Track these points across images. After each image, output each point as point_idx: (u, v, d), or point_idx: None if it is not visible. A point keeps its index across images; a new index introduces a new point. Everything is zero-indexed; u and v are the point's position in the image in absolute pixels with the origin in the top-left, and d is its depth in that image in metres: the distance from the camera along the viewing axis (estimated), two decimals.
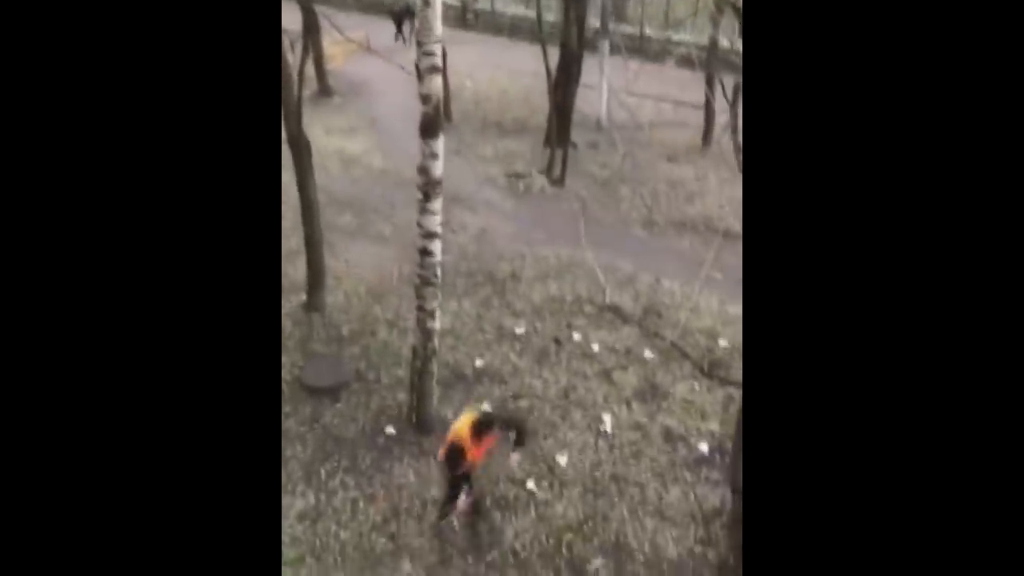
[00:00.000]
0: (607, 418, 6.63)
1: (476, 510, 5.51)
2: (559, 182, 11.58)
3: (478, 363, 7.28)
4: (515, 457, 5.57)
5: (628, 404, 6.85)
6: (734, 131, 10.02)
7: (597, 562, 5.33)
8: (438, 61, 5.40)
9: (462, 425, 5.20)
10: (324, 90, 14.57)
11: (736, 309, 8.30)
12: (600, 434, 6.47)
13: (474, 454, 5.22)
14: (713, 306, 8.39)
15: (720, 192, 11.46)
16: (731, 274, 8.72)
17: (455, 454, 5.16)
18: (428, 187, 5.71)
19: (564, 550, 5.41)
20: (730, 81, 10.53)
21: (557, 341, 7.67)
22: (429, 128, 5.53)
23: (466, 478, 5.35)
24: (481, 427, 5.17)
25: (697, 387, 7.08)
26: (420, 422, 6.38)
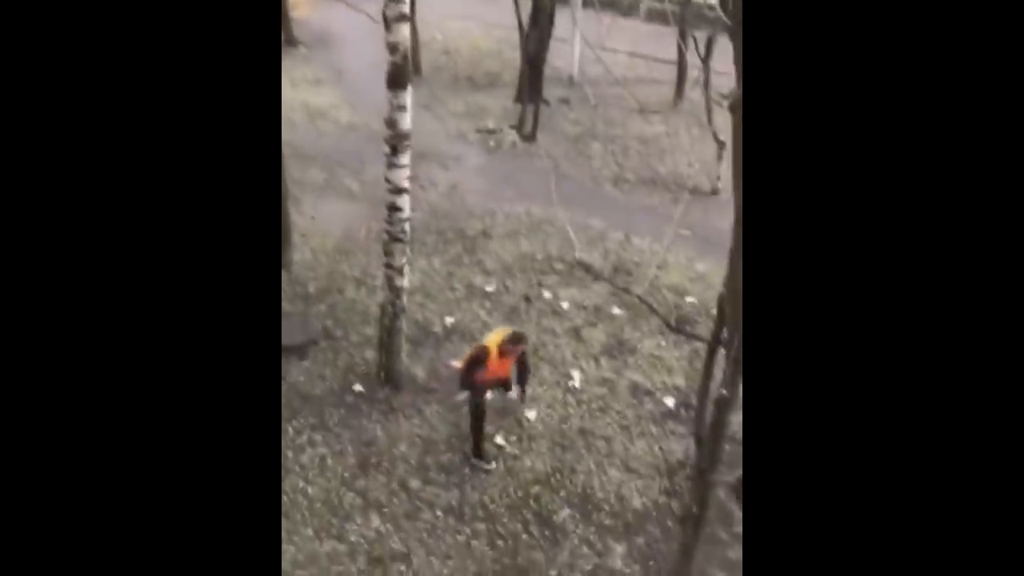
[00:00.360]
0: (576, 374, 6.69)
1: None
2: (531, 138, 11.43)
3: (448, 321, 7.25)
4: (516, 391, 5.97)
5: (596, 360, 6.90)
6: (705, 87, 10.00)
7: (564, 513, 5.43)
8: (406, 8, 5.21)
9: (492, 339, 5.59)
10: (289, 40, 14.05)
11: (703, 266, 8.37)
12: (569, 389, 6.53)
13: (494, 368, 5.52)
14: (681, 263, 8.44)
15: (691, 149, 11.43)
16: (699, 231, 8.80)
17: (476, 362, 5.46)
18: (396, 140, 5.56)
19: (532, 502, 5.50)
20: (703, 36, 10.43)
21: (527, 299, 7.67)
22: (397, 79, 5.37)
23: (478, 393, 5.54)
24: (508, 345, 5.55)
25: (664, 343, 7.16)
26: (389, 379, 6.36)
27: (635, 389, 6.60)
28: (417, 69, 12.69)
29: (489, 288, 7.79)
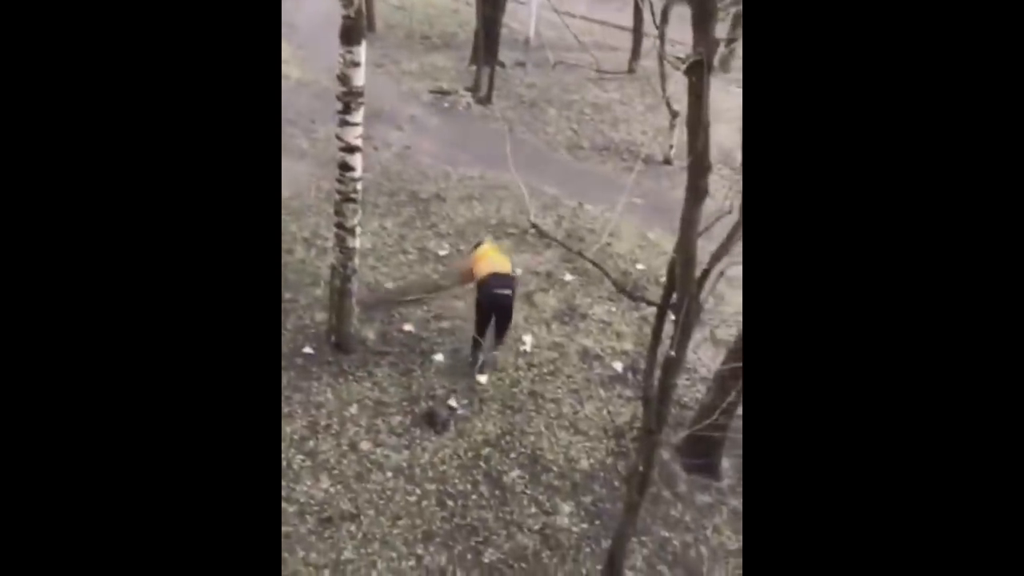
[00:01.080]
0: (527, 338, 6.72)
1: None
2: (485, 101, 11.26)
3: (399, 284, 7.16)
4: (492, 342, 6.22)
5: (548, 325, 6.95)
6: (660, 56, 9.99)
7: (513, 474, 5.51)
8: None
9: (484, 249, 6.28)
10: None
11: (653, 234, 8.46)
12: (520, 353, 6.56)
13: (492, 261, 6.14)
14: (632, 231, 8.52)
15: (644, 118, 11.46)
16: (650, 200, 8.88)
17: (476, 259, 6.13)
18: (348, 97, 5.38)
19: (482, 463, 5.55)
20: (659, 3, 10.37)
21: None
22: (350, 33, 5.16)
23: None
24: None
25: (614, 309, 7.25)
26: (339, 342, 6.27)
27: (585, 354, 6.68)
28: (371, 26, 12.27)
29: (442, 252, 7.71)
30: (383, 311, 6.74)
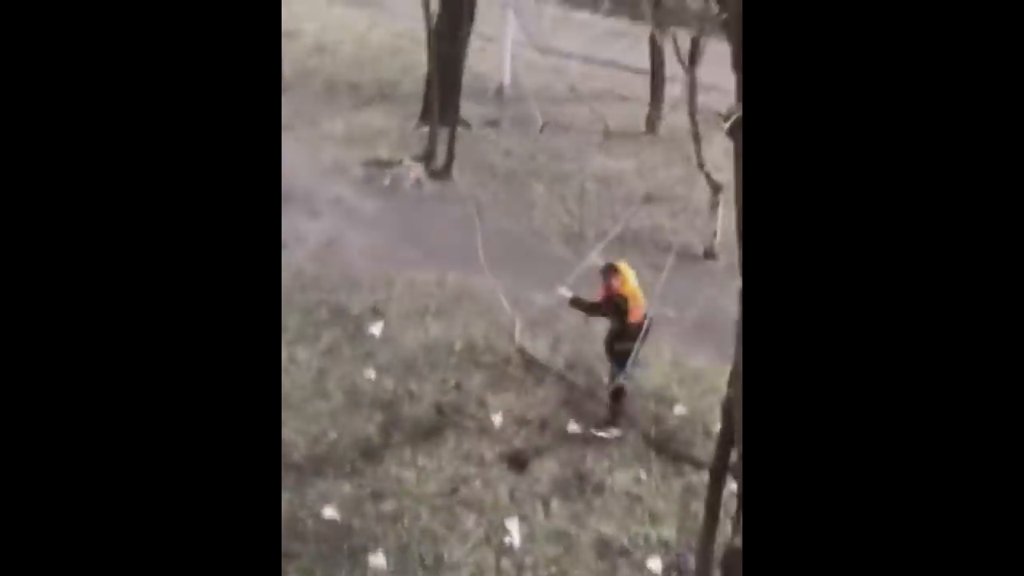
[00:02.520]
0: (513, 525, 6.55)
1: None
2: (443, 174, 11.56)
3: (318, 446, 7.04)
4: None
5: (545, 503, 6.81)
6: (691, 105, 10.46)
7: None
8: None
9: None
10: None
11: (696, 361, 8.48)
12: (504, 549, 6.37)
13: (635, 312, 7.43)
14: (664, 355, 8.55)
15: (671, 192, 11.81)
16: (689, 311, 8.97)
17: (612, 307, 7.46)
18: None
19: None
20: (686, 37, 10.99)
21: (440, 410, 7.61)
22: None
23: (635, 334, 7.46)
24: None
25: (644, 476, 7.15)
26: None
27: (604, 546, 6.50)
28: None
29: (383, 394, 7.67)
30: (292, 490, 6.53)
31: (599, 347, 8.57)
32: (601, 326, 8.89)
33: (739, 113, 2.92)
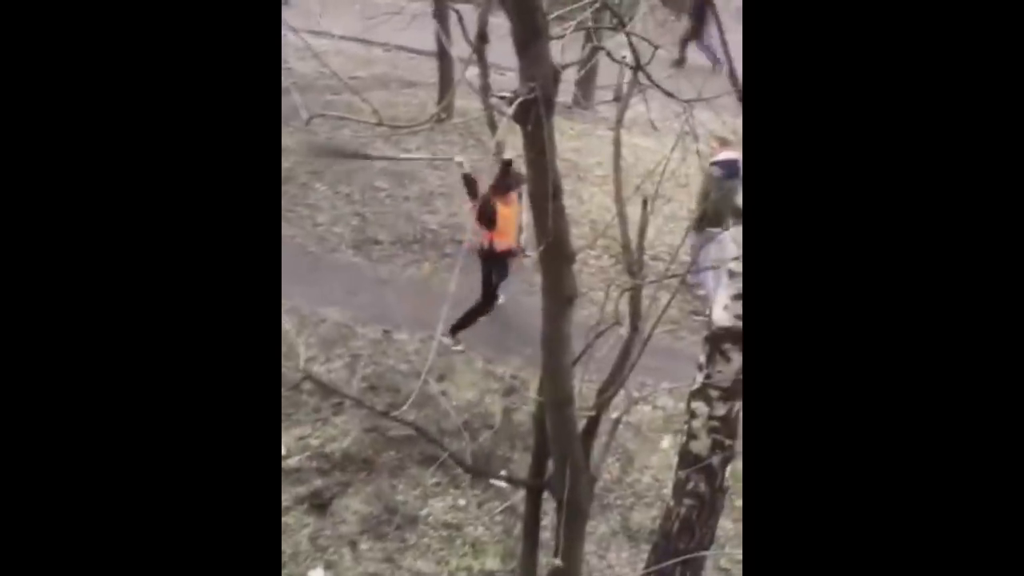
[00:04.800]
0: (318, 574, 6.53)
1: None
2: None
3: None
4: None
5: (353, 545, 6.80)
6: (485, 92, 10.61)
7: None
8: None
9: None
10: None
11: (507, 369, 8.67)
12: None
13: (504, 223, 8.58)
14: (474, 368, 8.70)
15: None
16: (498, 316, 9.17)
17: (483, 215, 8.44)
18: None
19: None
20: (473, 12, 11.14)
21: None
22: None
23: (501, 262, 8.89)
24: (504, 181, 8.48)
25: (463, 502, 7.24)
26: None
27: None
28: None
29: None
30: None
31: (402, 364, 8.65)
32: (401, 348, 8.97)
33: (525, 95, 3.00)
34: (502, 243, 8.68)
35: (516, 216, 8.75)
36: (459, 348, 8.86)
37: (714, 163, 9.17)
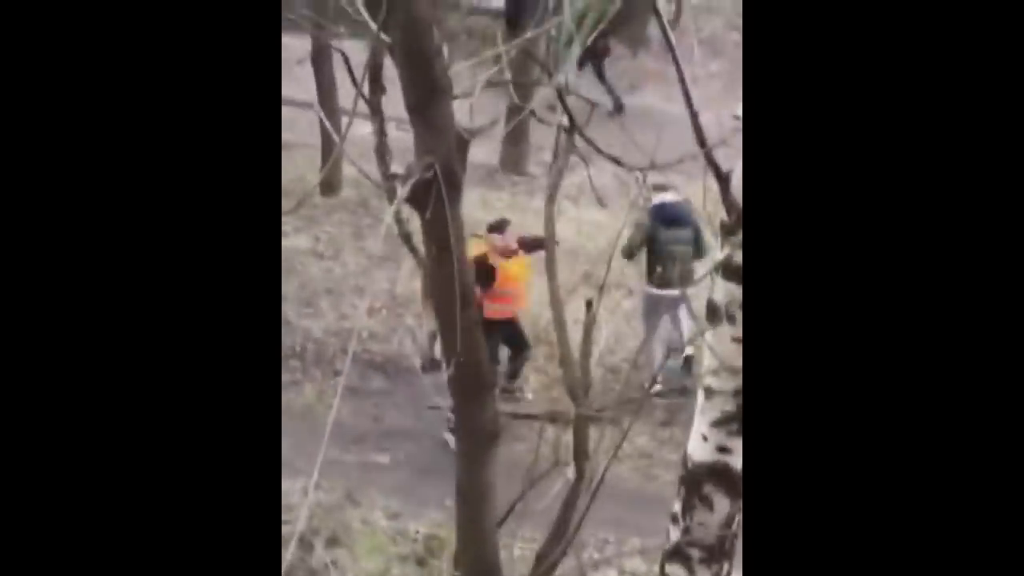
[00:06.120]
0: None
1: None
2: None
3: None
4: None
5: None
6: (381, 155, 10.67)
7: None
8: None
9: (475, 247, 8.20)
10: None
11: (418, 527, 8.60)
12: None
13: (506, 279, 9.15)
14: (379, 523, 8.62)
15: (368, 279, 12.01)
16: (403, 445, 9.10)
17: (480, 276, 8.00)
18: None
19: None
20: (360, 56, 11.25)
21: None
22: None
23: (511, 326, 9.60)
24: (498, 238, 9.24)
25: None
26: None
27: None
28: None
29: None
30: None
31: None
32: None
33: (420, 174, 3.06)
34: (503, 307, 9.34)
35: (524, 274, 9.36)
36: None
37: (654, 206, 9.56)
